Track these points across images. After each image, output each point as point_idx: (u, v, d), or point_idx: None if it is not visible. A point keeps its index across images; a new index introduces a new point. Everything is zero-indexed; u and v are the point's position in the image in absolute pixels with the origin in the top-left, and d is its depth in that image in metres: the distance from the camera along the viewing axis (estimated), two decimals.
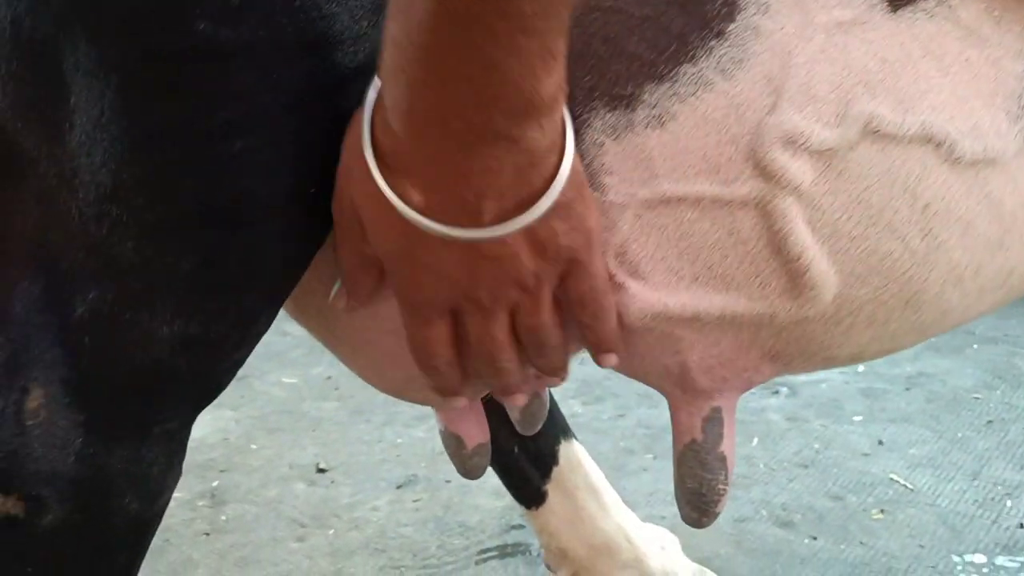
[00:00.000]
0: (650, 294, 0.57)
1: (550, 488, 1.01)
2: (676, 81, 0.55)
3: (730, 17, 0.55)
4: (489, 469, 0.96)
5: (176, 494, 1.40)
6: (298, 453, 1.53)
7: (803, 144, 0.54)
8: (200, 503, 1.38)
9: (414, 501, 1.37)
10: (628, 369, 0.61)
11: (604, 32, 0.55)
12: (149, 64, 0.49)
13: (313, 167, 0.54)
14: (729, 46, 0.55)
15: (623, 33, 0.55)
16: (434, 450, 1.49)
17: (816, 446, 1.48)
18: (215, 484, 1.43)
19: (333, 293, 0.59)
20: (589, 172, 0.55)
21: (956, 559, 1.19)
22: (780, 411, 1.60)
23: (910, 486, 1.36)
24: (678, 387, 0.60)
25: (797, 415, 1.59)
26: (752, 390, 0.63)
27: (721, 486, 0.61)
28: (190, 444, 0.60)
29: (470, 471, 0.73)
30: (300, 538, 1.29)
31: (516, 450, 0.99)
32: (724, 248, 0.56)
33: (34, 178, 0.53)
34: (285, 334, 1.84)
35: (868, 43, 0.55)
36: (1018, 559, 1.18)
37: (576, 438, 1.03)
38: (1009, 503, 1.31)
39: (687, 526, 0.64)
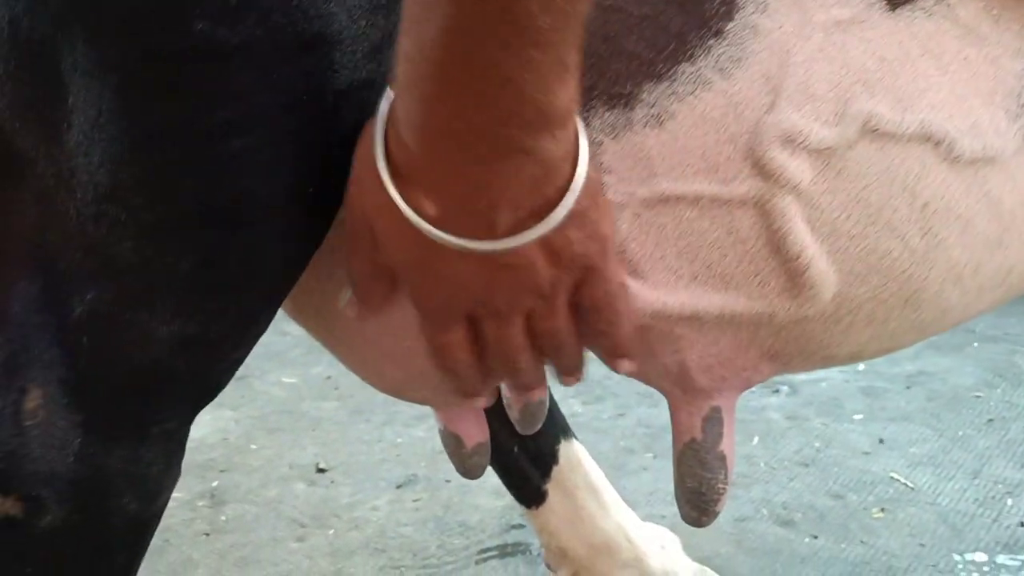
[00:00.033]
0: (649, 293, 0.57)
1: (550, 487, 1.01)
2: (675, 80, 0.55)
3: (728, 16, 0.55)
4: (489, 469, 0.96)
5: (176, 494, 1.40)
6: (298, 453, 1.53)
7: (802, 143, 0.54)
8: (200, 503, 1.38)
9: (414, 501, 1.37)
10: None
11: (603, 31, 0.55)
12: (147, 64, 0.49)
13: (312, 167, 0.54)
14: (727, 45, 0.55)
15: (622, 32, 0.55)
16: (434, 450, 1.49)
17: (816, 445, 1.48)
18: (215, 484, 1.43)
19: (343, 301, 0.58)
20: None
21: (957, 558, 1.19)
22: (780, 410, 1.60)
23: (911, 485, 1.36)
24: (677, 386, 0.60)
25: (797, 414, 1.59)
26: (752, 389, 0.63)
27: (721, 485, 0.61)
28: (190, 444, 0.60)
29: (469, 470, 0.73)
30: (300, 538, 1.29)
31: (516, 449, 0.99)
32: (723, 247, 0.56)
33: (32, 178, 0.53)
34: (285, 334, 1.84)
35: (867, 42, 0.55)
36: (1019, 557, 1.18)
37: (576, 437, 1.03)
38: (1010, 501, 1.31)
39: (687, 525, 0.64)
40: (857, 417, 1.57)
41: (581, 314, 0.54)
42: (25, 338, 0.54)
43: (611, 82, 0.56)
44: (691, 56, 0.55)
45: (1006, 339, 1.86)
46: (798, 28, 0.55)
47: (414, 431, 1.57)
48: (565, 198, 0.48)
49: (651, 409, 1.60)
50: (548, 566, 1.07)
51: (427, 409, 0.80)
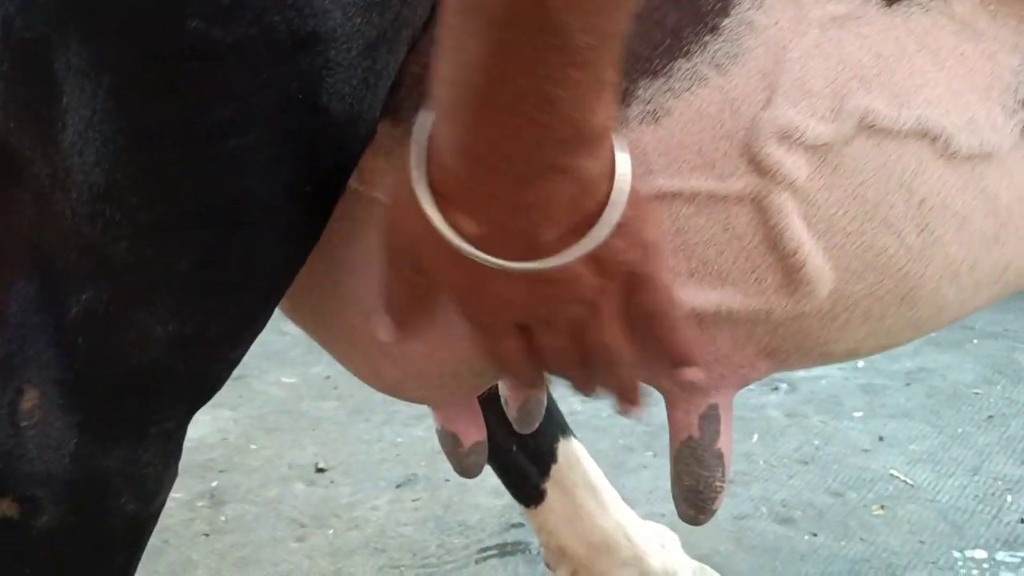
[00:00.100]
0: None
1: (549, 486, 1.01)
2: (670, 76, 0.55)
3: (724, 12, 0.55)
4: (488, 467, 0.96)
5: (175, 495, 1.39)
6: (297, 453, 1.53)
7: (798, 139, 0.54)
8: (199, 503, 1.38)
9: (413, 500, 1.37)
10: None
11: None
12: (141, 64, 0.49)
13: (310, 165, 0.53)
14: (723, 41, 0.55)
15: None
16: (433, 449, 1.49)
17: (816, 442, 1.48)
18: (214, 484, 1.43)
19: (377, 324, 0.58)
20: None
21: (957, 555, 1.19)
22: (780, 407, 1.60)
23: (910, 482, 1.36)
24: (674, 384, 0.60)
25: (797, 411, 1.59)
26: (752, 386, 0.63)
27: (718, 483, 0.61)
28: (189, 444, 0.60)
29: (467, 469, 0.73)
30: (300, 538, 1.29)
31: (514, 448, 0.99)
32: (719, 244, 0.56)
33: (28, 178, 0.53)
34: (284, 334, 1.84)
35: (863, 37, 0.55)
36: (1019, 554, 1.18)
37: (575, 436, 1.03)
38: (1010, 498, 1.31)
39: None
40: (857, 414, 1.57)
41: (636, 325, 0.53)
42: (22, 338, 0.54)
43: None
44: (687, 52, 0.55)
45: (1006, 335, 1.86)
46: (794, 24, 0.55)
47: (413, 430, 1.57)
48: (607, 215, 0.48)
49: (651, 407, 1.59)
50: (547, 565, 1.07)
51: (426, 408, 0.80)
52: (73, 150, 0.51)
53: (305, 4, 0.50)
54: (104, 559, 0.59)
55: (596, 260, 0.49)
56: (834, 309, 0.57)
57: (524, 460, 1.00)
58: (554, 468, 1.01)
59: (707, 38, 0.55)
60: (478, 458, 0.72)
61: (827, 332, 0.58)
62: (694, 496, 0.61)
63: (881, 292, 0.57)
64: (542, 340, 0.53)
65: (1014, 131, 0.57)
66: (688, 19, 0.55)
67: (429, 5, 0.55)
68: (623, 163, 0.48)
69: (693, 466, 0.61)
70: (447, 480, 1.40)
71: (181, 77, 0.50)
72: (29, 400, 0.53)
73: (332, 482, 1.43)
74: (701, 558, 1.12)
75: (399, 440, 1.55)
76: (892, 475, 1.38)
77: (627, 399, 0.57)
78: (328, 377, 1.78)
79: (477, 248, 0.48)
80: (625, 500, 1.05)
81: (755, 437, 1.50)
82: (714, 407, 0.60)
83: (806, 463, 1.42)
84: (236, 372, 0.60)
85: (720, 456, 0.61)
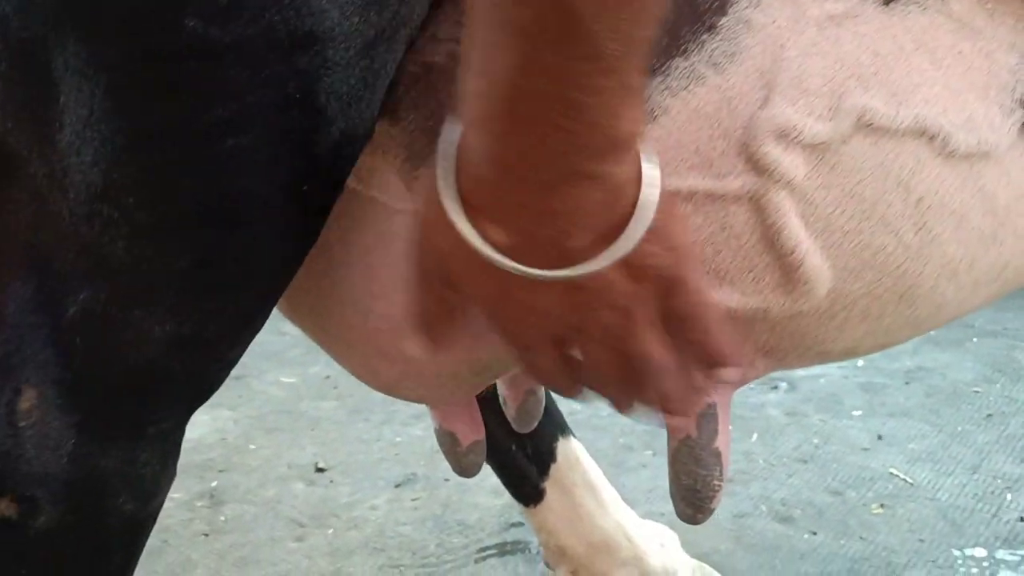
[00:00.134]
0: None
1: (548, 486, 1.01)
2: (668, 75, 0.55)
3: (722, 11, 0.55)
4: (488, 467, 0.96)
5: (174, 495, 1.39)
6: (296, 453, 1.53)
7: (796, 138, 0.54)
8: (199, 503, 1.37)
9: (413, 500, 1.37)
10: None
11: None
12: (139, 63, 0.49)
13: (308, 165, 0.53)
14: (721, 40, 0.55)
15: None
16: (433, 448, 1.48)
17: (815, 441, 1.48)
18: (214, 484, 1.43)
19: (409, 341, 0.58)
20: None
21: (956, 553, 1.19)
22: (779, 406, 1.60)
23: (910, 480, 1.36)
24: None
25: (796, 410, 1.59)
26: (751, 385, 0.63)
27: (716, 482, 0.61)
28: (188, 444, 0.60)
29: (465, 469, 0.73)
30: (299, 538, 1.29)
31: (513, 448, 0.98)
32: (717, 243, 0.56)
33: (26, 178, 0.53)
34: (283, 334, 1.83)
35: (860, 36, 0.55)
36: (1019, 553, 1.18)
37: (574, 435, 1.03)
38: (1009, 497, 1.31)
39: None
40: (856, 413, 1.57)
41: (675, 331, 0.53)
42: (19, 338, 0.54)
43: None
44: (684, 51, 0.55)
45: (1005, 334, 1.86)
46: (792, 23, 0.55)
47: (413, 430, 1.57)
48: (637, 219, 0.48)
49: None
50: (547, 564, 1.07)
51: (426, 408, 0.80)
52: (71, 150, 0.51)
53: (303, 4, 0.50)
54: (102, 559, 0.59)
55: (628, 265, 0.49)
56: (832, 308, 0.57)
57: (523, 459, 1.00)
58: (553, 467, 1.01)
59: (704, 37, 0.55)
60: (476, 457, 0.72)
61: (825, 331, 0.58)
62: (692, 495, 0.61)
63: (879, 291, 0.57)
64: (579, 352, 0.52)
65: (1012, 130, 0.57)
66: (686, 18, 0.55)
67: (427, 4, 0.55)
68: (650, 167, 0.48)
69: (691, 465, 0.61)
70: (446, 479, 1.40)
71: (179, 77, 0.50)
72: (27, 400, 0.53)
73: (331, 482, 1.43)
74: (701, 557, 1.12)
75: (398, 440, 1.55)
76: (892, 474, 1.38)
77: (669, 409, 0.56)
78: (327, 377, 1.78)
79: (508, 258, 0.48)
80: (625, 499, 1.05)
81: (754, 436, 1.50)
82: (712, 406, 0.60)
83: (806, 462, 1.42)
84: (235, 372, 0.60)
85: (718, 455, 0.61)
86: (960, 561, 1.17)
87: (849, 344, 0.60)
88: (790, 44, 0.54)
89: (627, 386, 0.54)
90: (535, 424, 0.78)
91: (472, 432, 0.71)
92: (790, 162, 0.54)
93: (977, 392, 1.63)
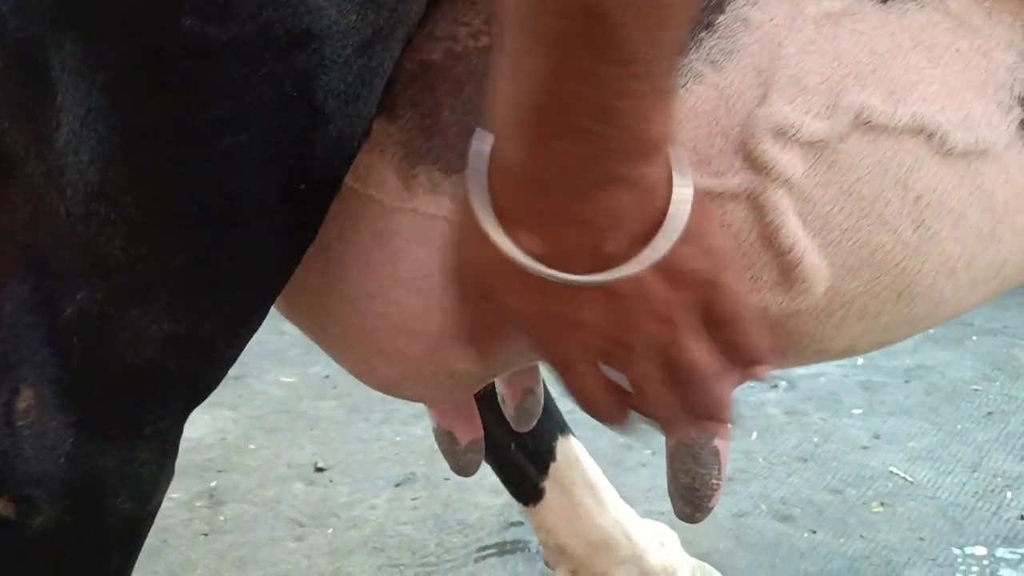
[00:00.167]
0: None
1: (547, 485, 1.01)
2: None
3: (719, 8, 0.55)
4: (487, 466, 0.96)
5: (174, 495, 1.39)
6: (296, 452, 1.52)
7: (793, 136, 0.54)
8: (198, 503, 1.37)
9: (412, 499, 1.37)
10: None
11: None
12: (136, 62, 0.49)
13: (306, 163, 0.53)
14: (719, 38, 0.55)
15: None
16: (432, 448, 1.47)
17: (815, 440, 1.48)
18: (213, 484, 1.43)
19: (461, 357, 0.58)
20: None
21: (956, 551, 1.19)
22: (779, 405, 1.60)
23: (910, 479, 1.36)
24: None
25: (796, 409, 1.59)
26: (750, 384, 0.62)
27: (714, 480, 0.61)
28: (188, 444, 0.60)
29: (463, 468, 0.73)
30: (298, 538, 1.29)
31: (512, 447, 0.98)
32: None
33: (23, 177, 0.53)
34: (282, 333, 1.84)
35: (858, 34, 0.55)
36: (1019, 551, 1.18)
37: (573, 434, 1.03)
38: (1009, 495, 1.30)
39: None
40: (856, 411, 1.57)
41: (715, 334, 0.52)
42: (16, 338, 0.54)
43: None
44: None
45: (1004, 332, 1.86)
46: (789, 20, 0.54)
47: (412, 429, 1.57)
48: (671, 219, 0.48)
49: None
50: (546, 563, 1.07)
51: (425, 407, 0.80)
52: (67, 149, 0.51)
53: (300, 2, 0.50)
54: (101, 559, 0.59)
55: (666, 271, 0.48)
56: (830, 306, 0.57)
57: (522, 459, 1.00)
58: (553, 466, 1.01)
59: (702, 34, 0.55)
60: (475, 456, 0.72)
61: (823, 329, 0.58)
62: (690, 494, 0.61)
63: (877, 289, 0.57)
64: (623, 370, 0.52)
65: (1010, 128, 0.57)
66: None
67: (424, 2, 0.55)
68: (681, 167, 0.48)
69: (689, 463, 0.61)
70: (446, 479, 1.40)
71: (176, 75, 0.49)
72: (24, 400, 0.53)
73: (331, 481, 1.43)
74: (700, 556, 1.12)
75: (398, 439, 1.55)
76: (891, 472, 1.38)
77: (716, 416, 0.54)
78: (327, 376, 1.78)
79: (544, 265, 0.47)
80: (624, 498, 1.05)
81: (754, 435, 1.50)
82: None
83: (805, 460, 1.42)
84: (235, 372, 0.60)
85: (716, 453, 0.61)
86: (960, 559, 1.17)
87: (848, 342, 0.60)
88: (788, 42, 0.54)
89: (674, 400, 0.53)
90: (534, 423, 0.78)
91: (470, 431, 0.71)
92: (788, 160, 0.54)
93: (977, 390, 1.63)
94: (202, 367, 0.57)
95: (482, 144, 0.48)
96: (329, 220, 0.57)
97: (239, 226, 0.53)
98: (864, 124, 0.54)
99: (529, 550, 1.23)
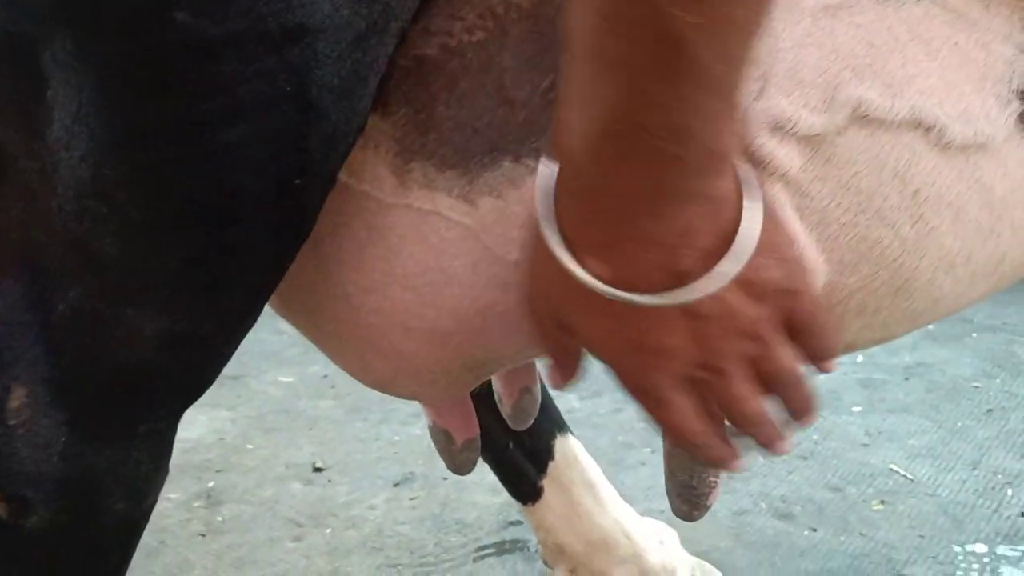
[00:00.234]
0: None
1: (546, 484, 1.01)
2: None
3: None
4: (486, 465, 0.96)
5: (172, 495, 1.39)
6: (294, 452, 1.52)
7: (791, 130, 0.54)
8: (196, 504, 1.37)
9: (411, 499, 1.36)
10: None
11: None
12: (127, 57, 0.49)
13: (300, 159, 0.53)
14: None
15: None
16: (431, 447, 1.46)
17: (815, 437, 1.48)
18: (211, 484, 1.43)
19: (551, 377, 0.57)
20: None
21: (957, 549, 1.19)
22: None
23: (910, 476, 1.36)
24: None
25: None
26: None
27: (712, 478, 0.60)
28: (186, 445, 0.60)
29: (459, 466, 0.72)
30: (297, 538, 1.28)
31: (511, 446, 0.98)
32: None
33: (15, 174, 0.53)
34: (280, 333, 1.83)
35: (855, 27, 0.54)
36: (1019, 548, 1.18)
37: (572, 433, 1.03)
38: (1010, 492, 1.30)
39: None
40: (856, 409, 1.57)
41: (795, 340, 0.52)
42: (9, 336, 0.53)
43: None
44: None
45: (1004, 329, 1.85)
46: (786, 13, 0.54)
47: (411, 429, 1.57)
48: (745, 229, 0.47)
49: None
50: (545, 563, 1.07)
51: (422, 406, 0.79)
52: (60, 145, 0.50)
53: None
54: (96, 559, 0.58)
55: (746, 285, 0.48)
56: (828, 302, 0.57)
57: (521, 458, 0.99)
58: (551, 465, 1.00)
59: None
60: (471, 455, 0.71)
61: None
62: (688, 492, 0.61)
63: (876, 284, 0.57)
64: (714, 394, 0.51)
65: (1008, 121, 0.56)
66: None
67: None
68: (748, 178, 0.48)
69: (687, 461, 0.60)
70: (444, 478, 1.39)
71: (169, 71, 0.49)
72: (17, 398, 0.53)
73: (329, 481, 1.43)
74: (700, 554, 1.12)
75: (396, 439, 1.55)
76: (892, 470, 1.38)
77: (812, 415, 0.54)
78: (325, 376, 1.78)
79: (619, 289, 0.47)
80: (624, 497, 1.05)
81: None
82: None
83: (805, 458, 1.42)
84: (233, 372, 0.60)
85: None
86: (961, 557, 1.17)
87: (846, 338, 0.59)
88: (785, 35, 0.54)
89: (767, 417, 0.52)
90: (531, 421, 0.78)
91: (466, 430, 0.70)
92: (785, 154, 0.54)
93: (977, 387, 1.63)
94: (197, 365, 0.57)
95: (548, 174, 0.47)
96: (323, 216, 0.57)
97: (234, 222, 0.53)
98: (862, 118, 0.54)
99: (528, 549, 1.23)
